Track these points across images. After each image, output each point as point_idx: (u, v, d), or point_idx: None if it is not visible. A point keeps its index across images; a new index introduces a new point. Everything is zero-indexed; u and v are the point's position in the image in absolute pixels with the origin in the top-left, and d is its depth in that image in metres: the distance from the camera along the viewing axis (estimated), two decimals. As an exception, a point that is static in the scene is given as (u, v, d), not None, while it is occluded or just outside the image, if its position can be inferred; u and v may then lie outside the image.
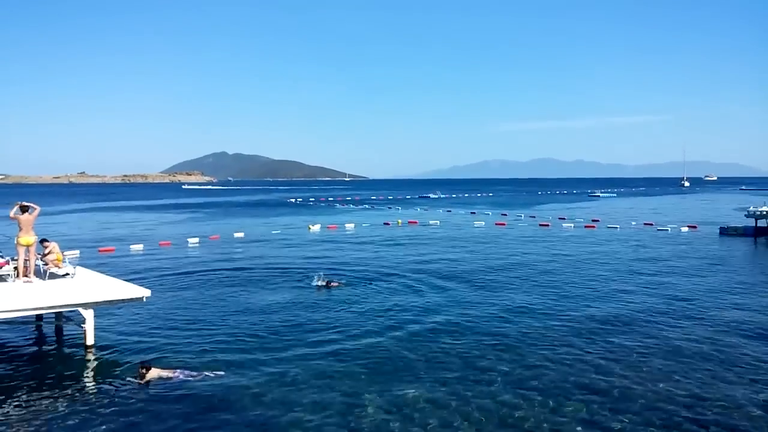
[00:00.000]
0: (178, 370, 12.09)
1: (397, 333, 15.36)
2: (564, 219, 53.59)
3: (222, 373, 12.22)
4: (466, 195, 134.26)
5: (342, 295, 20.00)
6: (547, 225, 48.65)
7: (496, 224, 50.48)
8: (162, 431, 9.71)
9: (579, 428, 9.71)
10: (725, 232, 40.26)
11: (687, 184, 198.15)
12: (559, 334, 15.15)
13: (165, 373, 11.94)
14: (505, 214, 61.99)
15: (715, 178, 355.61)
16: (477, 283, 22.52)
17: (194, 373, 12.06)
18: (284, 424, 9.95)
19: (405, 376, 12.10)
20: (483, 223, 51.51)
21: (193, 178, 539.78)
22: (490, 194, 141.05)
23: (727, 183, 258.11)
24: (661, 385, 11.52)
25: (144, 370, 11.88)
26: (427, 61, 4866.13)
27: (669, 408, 10.46)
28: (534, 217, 58.36)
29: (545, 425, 9.83)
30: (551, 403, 10.70)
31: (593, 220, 51.28)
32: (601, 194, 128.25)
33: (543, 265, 26.94)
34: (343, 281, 22.15)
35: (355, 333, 15.38)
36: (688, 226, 43.87)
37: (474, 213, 65.73)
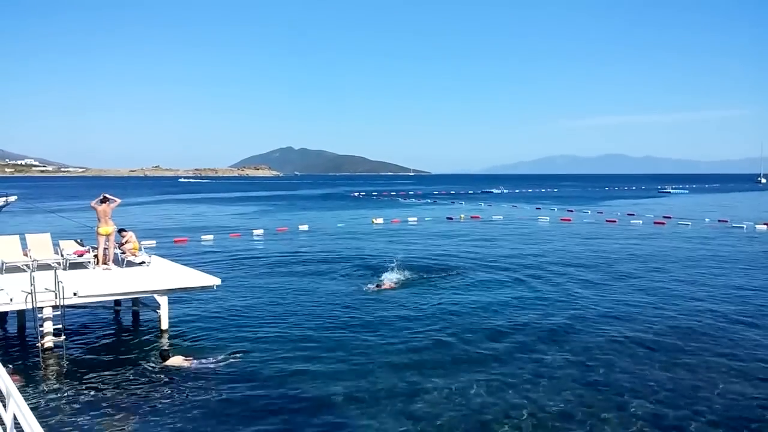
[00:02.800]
0: (195, 360, 12.39)
1: (456, 328, 15.41)
2: (633, 215, 51.98)
3: (240, 356, 12.71)
4: (530, 190, 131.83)
5: (404, 292, 20.09)
6: (614, 221, 47.35)
7: (561, 220, 49.55)
8: (240, 412, 10.20)
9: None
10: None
11: (764, 180, 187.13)
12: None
13: (184, 362, 12.28)
14: (571, 210, 60.64)
15: None
16: (551, 280, 22.21)
17: (212, 359, 12.45)
18: (340, 408, 10.28)
19: (466, 368, 12.24)
20: (548, 218, 50.60)
21: (260, 173, 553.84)
22: (555, 190, 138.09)
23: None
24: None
25: (162, 359, 12.37)
26: (492, 54, 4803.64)
27: None
28: (601, 212, 56.84)
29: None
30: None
31: (664, 217, 49.57)
32: (671, 190, 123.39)
33: (608, 260, 26.35)
34: (401, 279, 21.67)
35: (414, 328, 15.49)
36: (765, 224, 41.83)
37: (539, 208, 64.64)
